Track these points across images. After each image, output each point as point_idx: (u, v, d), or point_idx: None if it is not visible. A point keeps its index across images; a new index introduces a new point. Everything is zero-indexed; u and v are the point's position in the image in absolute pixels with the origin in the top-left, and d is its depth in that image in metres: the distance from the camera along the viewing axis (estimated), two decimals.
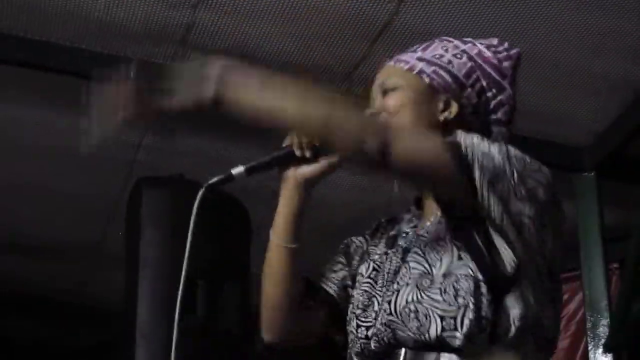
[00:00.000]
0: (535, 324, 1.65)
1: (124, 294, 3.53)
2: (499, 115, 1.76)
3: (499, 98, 1.76)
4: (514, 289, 1.63)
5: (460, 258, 1.65)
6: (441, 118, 1.74)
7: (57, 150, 4.12)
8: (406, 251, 1.76)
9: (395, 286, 1.70)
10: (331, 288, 1.86)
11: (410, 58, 1.81)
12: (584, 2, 3.24)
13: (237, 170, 1.76)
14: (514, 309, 1.62)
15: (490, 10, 3.28)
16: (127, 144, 4.06)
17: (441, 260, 1.66)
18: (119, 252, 3.68)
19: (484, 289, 1.61)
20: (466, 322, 1.60)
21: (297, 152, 1.74)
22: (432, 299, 1.63)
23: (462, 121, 1.74)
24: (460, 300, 1.61)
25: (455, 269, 1.64)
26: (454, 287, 1.62)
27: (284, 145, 1.77)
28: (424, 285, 1.64)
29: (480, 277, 1.62)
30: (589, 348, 3.89)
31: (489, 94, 1.75)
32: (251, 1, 3.27)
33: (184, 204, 1.87)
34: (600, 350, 3.79)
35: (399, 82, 1.79)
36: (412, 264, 1.70)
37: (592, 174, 3.96)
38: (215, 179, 1.77)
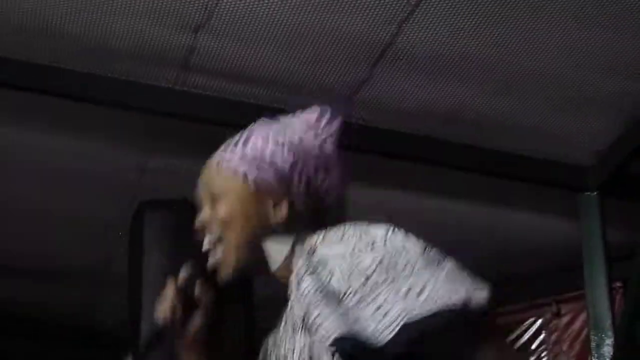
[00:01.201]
0: None
1: (127, 317, 3.53)
2: (332, 198, 1.71)
3: (327, 182, 1.70)
4: None
5: None
6: (274, 221, 1.68)
7: (60, 173, 4.12)
8: None
9: None
10: None
11: (233, 157, 1.72)
12: (590, 22, 3.24)
13: None
14: None
15: (493, 31, 3.28)
16: (131, 166, 4.06)
17: None
18: (123, 275, 3.68)
19: None
20: None
21: (167, 324, 1.75)
22: None
23: (299, 216, 1.69)
24: None
25: None
26: None
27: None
28: None
29: None
30: None
31: (319, 180, 1.70)
32: (252, 24, 3.28)
33: (187, 227, 1.89)
34: None
35: (225, 188, 1.72)
36: None
37: (595, 193, 3.96)
38: None
